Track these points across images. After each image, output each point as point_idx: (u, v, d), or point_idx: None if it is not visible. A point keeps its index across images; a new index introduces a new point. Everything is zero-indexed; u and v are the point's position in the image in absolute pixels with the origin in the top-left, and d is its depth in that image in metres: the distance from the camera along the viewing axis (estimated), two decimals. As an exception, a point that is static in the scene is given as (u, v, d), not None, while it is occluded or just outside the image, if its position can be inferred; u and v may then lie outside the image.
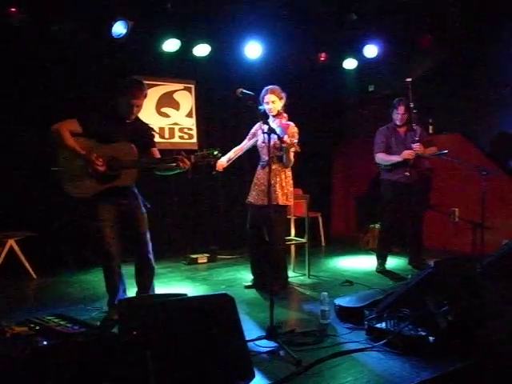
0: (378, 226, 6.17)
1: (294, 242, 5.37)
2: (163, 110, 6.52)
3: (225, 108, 6.86)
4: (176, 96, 6.63)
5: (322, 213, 7.13)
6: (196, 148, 6.42)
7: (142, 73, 6.04)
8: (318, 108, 7.40)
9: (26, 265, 5.13)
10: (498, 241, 4.93)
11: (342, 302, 3.72)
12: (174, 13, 5.39)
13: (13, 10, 4.78)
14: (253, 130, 4.68)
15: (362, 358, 2.91)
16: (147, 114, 5.76)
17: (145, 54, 6.02)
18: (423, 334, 2.93)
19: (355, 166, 7.74)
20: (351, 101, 7.85)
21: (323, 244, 7.11)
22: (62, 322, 2.73)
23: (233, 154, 4.66)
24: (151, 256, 3.79)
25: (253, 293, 4.53)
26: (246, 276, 5.08)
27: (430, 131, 6.52)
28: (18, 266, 5.11)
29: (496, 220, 5.36)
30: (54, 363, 2.33)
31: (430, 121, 6.54)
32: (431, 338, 2.89)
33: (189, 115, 6.73)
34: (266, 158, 4.18)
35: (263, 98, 4.45)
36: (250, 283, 4.71)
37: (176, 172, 3.82)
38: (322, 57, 6.69)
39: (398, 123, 5.20)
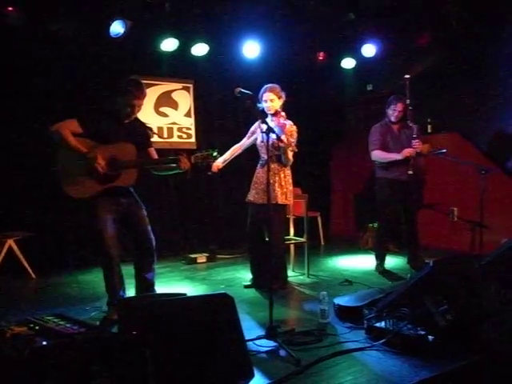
0: (376, 225, 6.17)
1: (293, 241, 5.37)
2: (162, 109, 6.52)
3: (223, 107, 6.86)
4: (174, 95, 6.63)
5: (321, 212, 7.13)
6: (195, 148, 6.41)
7: (141, 72, 6.02)
8: (316, 107, 7.40)
9: (25, 265, 5.13)
10: (496, 240, 4.93)
11: (342, 301, 3.72)
12: (172, 12, 5.39)
13: (10, 9, 4.77)
14: (252, 129, 4.67)
15: (362, 357, 2.91)
16: (146, 113, 5.75)
17: (143, 54, 6.02)
18: (422, 333, 2.94)
19: (354, 166, 7.75)
20: (350, 100, 7.85)
21: (322, 243, 7.11)
22: (61, 322, 2.73)
23: (229, 154, 4.64)
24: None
25: (252, 292, 4.53)
26: (245, 275, 5.09)
27: (429, 130, 6.53)
28: (17, 266, 5.11)
29: (495, 219, 5.36)
30: (53, 363, 2.33)
31: (429, 120, 6.54)
32: (430, 337, 2.89)
33: (187, 115, 6.73)
34: (266, 157, 4.18)
35: (262, 96, 4.45)
36: (249, 283, 4.71)
37: (175, 172, 3.83)
38: (321, 56, 6.69)
39: (393, 120, 5.16)
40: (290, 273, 5.06)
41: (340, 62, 6.84)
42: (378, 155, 5.15)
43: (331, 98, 7.63)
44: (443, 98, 6.42)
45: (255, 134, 4.61)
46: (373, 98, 7.26)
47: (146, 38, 5.73)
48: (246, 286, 4.67)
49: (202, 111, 6.80)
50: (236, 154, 4.70)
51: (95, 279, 4.94)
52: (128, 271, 3.90)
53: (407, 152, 4.96)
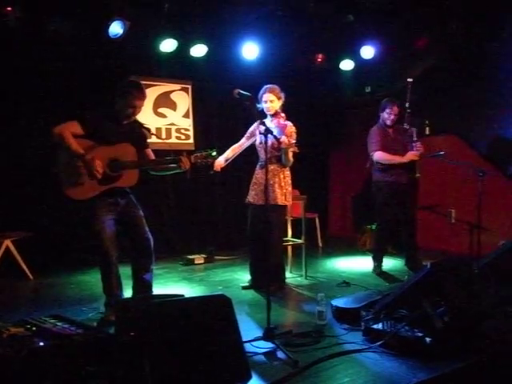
0: (374, 227, 6.17)
1: (291, 242, 5.37)
2: (160, 110, 6.52)
3: (222, 108, 6.87)
4: (173, 96, 6.63)
5: (319, 214, 7.14)
6: (193, 148, 6.41)
7: (139, 73, 6.06)
8: (314, 109, 7.42)
9: (23, 265, 5.11)
10: (494, 242, 4.94)
11: (339, 302, 3.72)
12: (171, 13, 5.39)
13: (8, 9, 4.76)
14: (251, 129, 4.67)
15: (359, 358, 2.91)
16: (144, 114, 5.74)
17: (142, 55, 6.02)
18: (420, 334, 2.94)
19: (352, 167, 7.75)
20: (348, 102, 7.85)
21: (320, 245, 7.10)
22: (58, 323, 2.73)
23: (231, 153, 4.63)
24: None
25: (250, 293, 4.52)
26: (243, 277, 5.08)
27: (427, 132, 6.53)
28: (15, 267, 5.09)
29: (493, 221, 5.37)
30: (50, 364, 2.33)
31: (426, 122, 6.55)
32: (428, 339, 2.89)
33: (186, 116, 6.73)
34: (265, 158, 4.18)
35: (261, 97, 4.46)
36: (247, 284, 4.70)
37: (174, 172, 3.85)
38: (319, 58, 6.69)
39: (388, 123, 5.16)
40: (287, 274, 5.06)
41: (338, 64, 6.84)
42: (381, 156, 5.10)
43: (329, 100, 7.63)
44: (441, 99, 6.43)
45: (254, 135, 4.60)
46: (371, 100, 7.26)
47: (145, 38, 5.73)
48: (244, 288, 4.66)
49: (200, 112, 6.81)
50: (237, 154, 4.69)
51: (92, 280, 4.93)
52: (125, 272, 3.89)
53: (412, 155, 4.95)
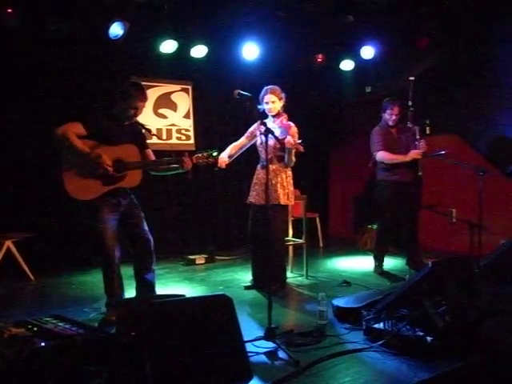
0: (375, 226, 6.17)
1: (291, 242, 5.37)
2: (160, 111, 6.52)
3: (222, 109, 6.87)
4: (173, 97, 6.63)
5: (320, 214, 7.14)
6: (194, 149, 6.41)
7: (139, 74, 6.06)
8: (315, 109, 7.41)
9: (24, 266, 5.11)
10: (495, 241, 4.94)
11: (340, 302, 3.72)
12: (171, 14, 5.39)
13: (9, 10, 4.77)
14: (251, 129, 4.66)
15: (360, 358, 2.92)
16: (144, 115, 5.69)
17: (142, 56, 6.03)
18: (421, 334, 2.94)
19: (353, 167, 7.75)
20: (348, 102, 7.85)
21: (321, 245, 7.11)
22: (59, 324, 2.73)
23: (233, 151, 4.59)
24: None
25: (251, 293, 4.53)
26: (244, 277, 5.09)
27: (428, 132, 6.52)
28: (16, 268, 5.09)
29: (493, 220, 5.37)
30: (51, 364, 2.33)
31: (427, 121, 6.54)
32: (429, 339, 2.89)
33: (186, 116, 6.73)
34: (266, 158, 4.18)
35: (263, 98, 4.46)
36: (249, 284, 4.71)
37: (176, 172, 3.86)
38: (319, 58, 6.69)
39: (391, 124, 5.17)
40: (288, 274, 5.06)
41: (339, 64, 6.84)
42: (383, 156, 5.11)
43: (330, 100, 7.64)
44: (442, 99, 6.43)
45: (255, 135, 4.58)
46: (371, 100, 7.26)
47: (145, 39, 5.74)
48: (247, 288, 4.66)
49: (200, 113, 6.81)
50: (239, 153, 4.64)
51: (93, 280, 4.94)
52: (127, 272, 3.90)
53: (415, 154, 4.96)
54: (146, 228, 3.82)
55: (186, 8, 5.46)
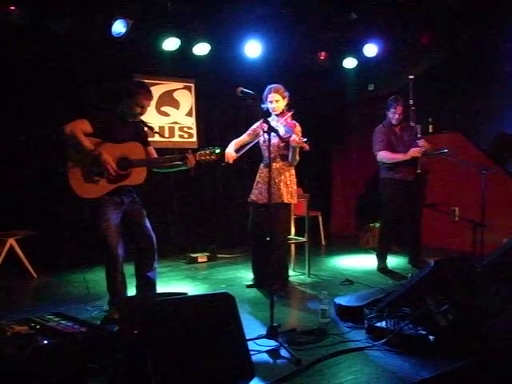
0: (377, 224, 6.17)
1: (294, 241, 5.37)
2: (163, 108, 6.52)
3: (225, 107, 6.87)
4: (176, 95, 6.63)
5: (322, 212, 7.14)
6: (196, 147, 6.41)
7: (142, 72, 6.07)
8: (318, 107, 7.40)
9: (27, 264, 5.13)
10: (498, 240, 4.93)
11: (342, 300, 3.72)
12: (174, 12, 5.39)
13: (12, 8, 4.77)
14: (254, 127, 4.64)
15: (362, 356, 2.91)
16: (147, 112, 5.66)
17: (145, 53, 6.03)
18: (423, 333, 2.94)
19: (355, 165, 7.74)
20: (351, 100, 7.84)
21: (323, 243, 7.11)
22: (62, 321, 2.74)
23: (236, 147, 4.53)
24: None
25: (253, 292, 4.53)
26: (246, 275, 5.09)
27: (430, 130, 6.52)
28: (19, 266, 5.11)
29: (496, 219, 5.36)
30: (54, 362, 2.34)
31: (430, 120, 6.54)
32: (431, 337, 2.89)
33: (189, 114, 6.73)
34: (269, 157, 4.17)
35: (267, 97, 4.44)
36: (251, 282, 4.71)
37: (178, 169, 3.88)
38: (322, 56, 6.68)
39: (394, 122, 5.17)
40: (290, 272, 5.06)
41: (342, 62, 6.84)
42: (384, 156, 5.13)
43: (333, 98, 7.62)
44: (445, 97, 6.42)
45: (258, 133, 4.56)
46: (374, 98, 7.25)
47: (148, 37, 5.73)
48: (248, 286, 4.66)
49: (203, 111, 6.80)
50: (244, 150, 4.52)
51: (96, 278, 4.95)
52: (129, 270, 3.90)
53: (414, 152, 4.96)
54: (148, 225, 3.83)
55: (189, 6, 5.46)
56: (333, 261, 6.01)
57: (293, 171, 4.56)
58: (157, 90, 6.43)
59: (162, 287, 4.40)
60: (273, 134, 3.52)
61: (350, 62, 6.83)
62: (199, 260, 5.97)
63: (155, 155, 3.95)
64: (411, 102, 4.98)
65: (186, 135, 6.68)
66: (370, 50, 6.50)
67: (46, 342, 2.38)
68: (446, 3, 5.69)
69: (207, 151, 3.76)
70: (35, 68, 5.46)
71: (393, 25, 6.18)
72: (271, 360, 2.90)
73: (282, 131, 4.29)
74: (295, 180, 4.58)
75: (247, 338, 2.71)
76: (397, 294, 3.29)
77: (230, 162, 4.41)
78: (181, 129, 6.66)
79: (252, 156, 4.96)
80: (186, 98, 6.71)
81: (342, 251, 6.53)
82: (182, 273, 5.46)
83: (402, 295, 3.24)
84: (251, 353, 2.72)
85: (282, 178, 4.45)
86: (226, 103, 6.79)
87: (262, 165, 4.63)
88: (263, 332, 3.21)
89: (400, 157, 5.05)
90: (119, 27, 5.20)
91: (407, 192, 5.12)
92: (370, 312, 3.31)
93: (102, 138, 3.58)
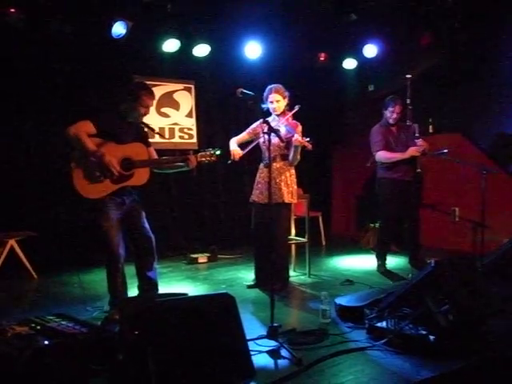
0: (378, 225, 6.16)
1: (294, 241, 5.37)
2: (163, 110, 6.53)
3: (224, 108, 6.88)
4: (176, 96, 6.64)
5: (323, 212, 7.14)
6: (196, 148, 6.42)
7: (142, 73, 6.07)
8: (318, 108, 7.40)
9: (27, 265, 5.13)
10: (498, 240, 4.93)
11: (343, 301, 3.72)
12: (174, 13, 5.40)
13: (12, 10, 4.78)
14: (253, 126, 4.62)
15: (363, 356, 2.92)
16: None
17: (145, 55, 6.04)
18: (424, 333, 2.94)
19: (355, 166, 7.74)
20: (351, 100, 7.84)
21: (323, 243, 7.10)
22: (63, 322, 2.74)
23: (239, 144, 4.50)
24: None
25: (253, 292, 4.53)
26: (247, 275, 5.09)
27: (430, 130, 6.52)
28: (19, 266, 5.11)
29: (496, 219, 5.36)
30: (55, 363, 2.34)
31: (430, 120, 6.54)
32: (431, 337, 2.89)
33: (189, 115, 6.73)
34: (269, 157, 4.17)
35: (267, 98, 4.45)
36: (252, 283, 4.71)
37: (179, 170, 3.89)
38: (322, 57, 6.69)
39: (391, 122, 5.17)
40: (291, 273, 5.06)
41: (341, 63, 6.84)
42: (382, 156, 5.13)
43: (332, 99, 7.62)
44: (445, 97, 6.42)
45: (258, 133, 4.55)
46: (374, 99, 7.25)
47: (148, 38, 5.74)
48: (249, 286, 4.66)
49: (203, 112, 6.81)
50: (248, 150, 4.43)
51: (96, 279, 4.95)
52: (129, 271, 3.90)
53: (413, 151, 4.96)
54: (147, 226, 3.84)
55: (189, 7, 5.46)
56: (333, 261, 6.01)
57: (293, 171, 4.56)
58: (157, 92, 6.40)
59: (162, 288, 4.39)
60: (273, 134, 3.52)
61: (349, 63, 6.84)
62: (200, 260, 5.97)
63: (155, 156, 3.96)
64: (408, 101, 4.99)
65: (186, 136, 6.69)
66: (370, 50, 6.51)
67: (46, 342, 2.38)
68: (446, 3, 5.69)
69: (208, 152, 3.79)
70: (36, 69, 5.46)
71: (392, 25, 6.19)
72: (272, 360, 2.90)
73: (283, 131, 4.30)
74: (295, 180, 4.59)
75: (248, 338, 2.72)
76: (397, 294, 3.29)
77: (236, 159, 4.37)
78: (181, 130, 6.66)
79: (252, 156, 4.95)
80: (186, 99, 6.71)
81: (343, 251, 6.53)
82: (183, 273, 5.47)
83: (402, 295, 3.24)
84: (252, 353, 2.73)
85: (283, 177, 4.45)
86: (225, 104, 6.79)
87: (261, 165, 4.63)
88: (264, 332, 3.21)
89: (398, 156, 5.05)
90: (119, 29, 5.20)
91: (405, 191, 5.12)
92: (370, 312, 3.32)
93: (104, 138, 3.59)
